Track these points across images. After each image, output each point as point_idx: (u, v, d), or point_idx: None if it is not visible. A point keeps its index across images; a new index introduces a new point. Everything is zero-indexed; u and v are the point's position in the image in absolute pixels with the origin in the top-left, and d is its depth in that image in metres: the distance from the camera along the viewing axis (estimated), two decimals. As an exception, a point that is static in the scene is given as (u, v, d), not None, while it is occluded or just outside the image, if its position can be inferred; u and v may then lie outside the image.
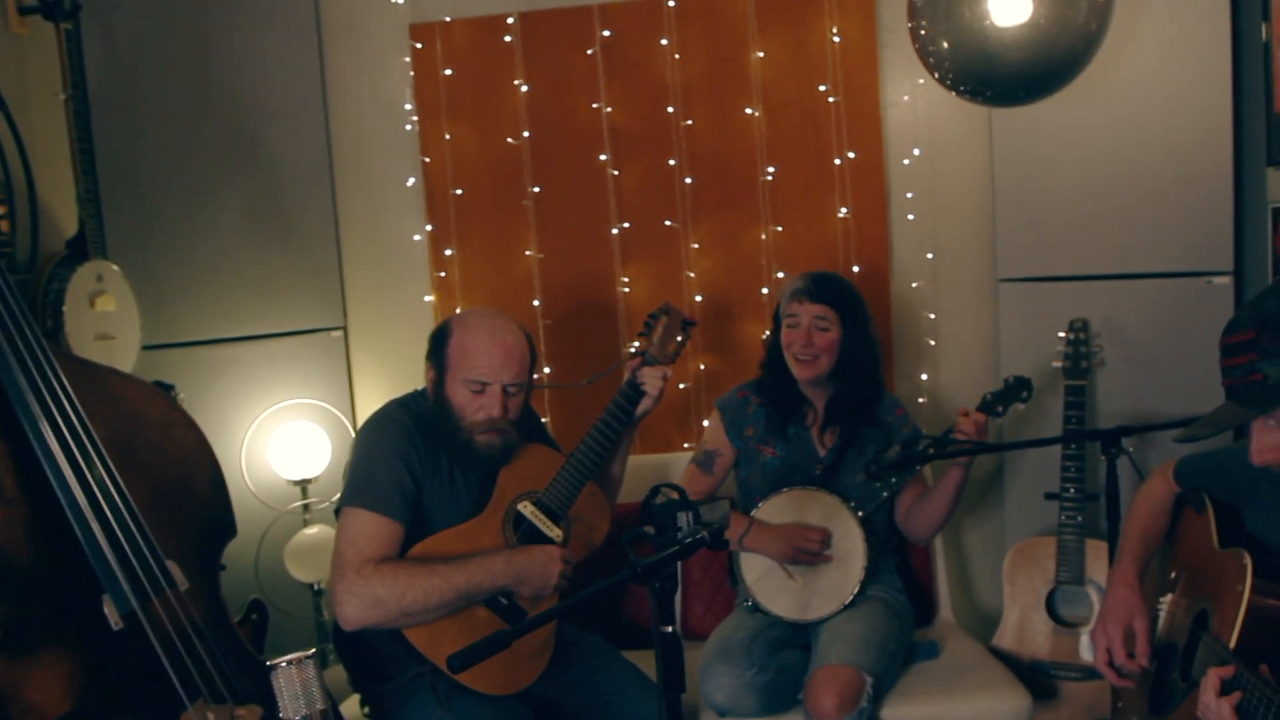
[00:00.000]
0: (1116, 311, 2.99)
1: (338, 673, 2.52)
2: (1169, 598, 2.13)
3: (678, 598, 2.97)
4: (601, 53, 3.29)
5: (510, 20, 3.29)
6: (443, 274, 3.38)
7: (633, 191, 3.33)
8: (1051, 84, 2.48)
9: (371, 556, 2.16)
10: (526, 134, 3.32)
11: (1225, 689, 1.67)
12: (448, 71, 3.31)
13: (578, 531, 2.45)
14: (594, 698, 2.41)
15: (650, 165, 3.31)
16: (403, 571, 2.15)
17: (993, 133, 3.11)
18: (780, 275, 3.27)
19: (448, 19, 3.31)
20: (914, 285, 3.33)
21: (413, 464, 2.27)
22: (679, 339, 2.57)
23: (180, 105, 3.23)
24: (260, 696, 1.80)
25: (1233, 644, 1.75)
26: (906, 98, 3.27)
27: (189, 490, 1.93)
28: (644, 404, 2.50)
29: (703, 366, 3.34)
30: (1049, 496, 2.88)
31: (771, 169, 3.28)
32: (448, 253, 3.37)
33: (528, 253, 3.36)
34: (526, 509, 2.37)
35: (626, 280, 3.35)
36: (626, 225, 3.33)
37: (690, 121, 3.29)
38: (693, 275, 3.33)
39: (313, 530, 3.15)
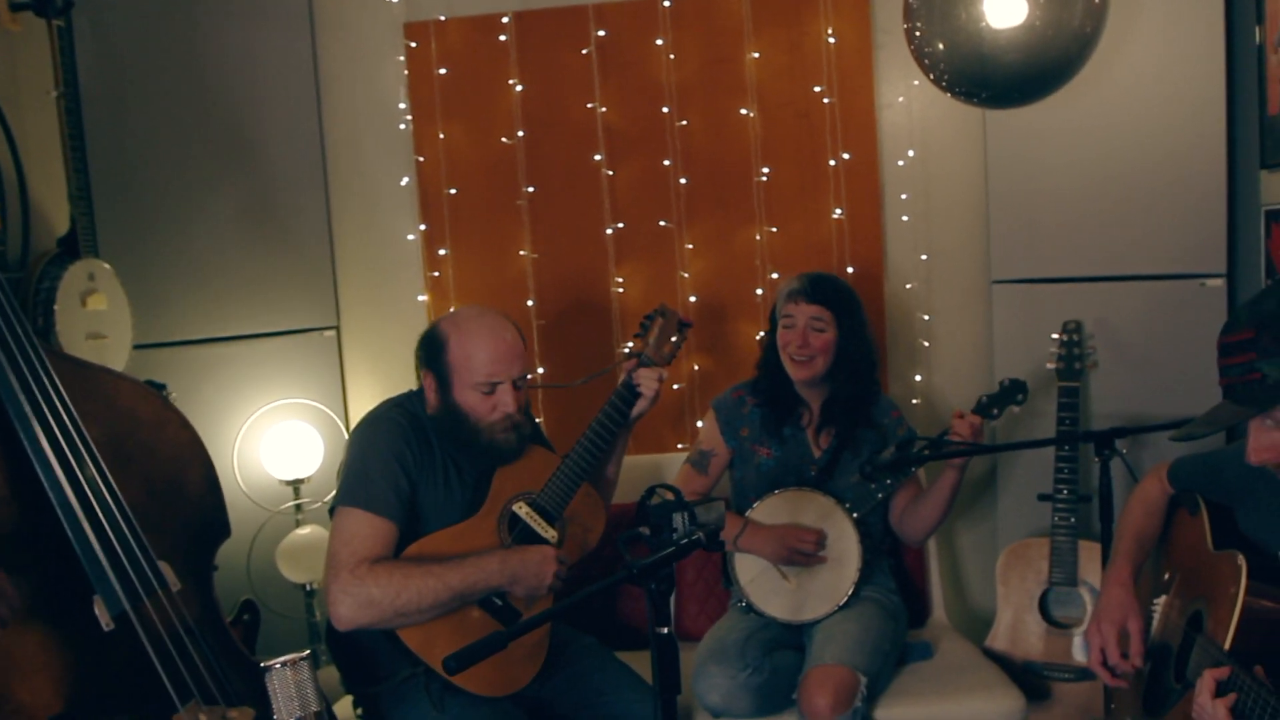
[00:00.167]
0: (1110, 313, 3.00)
1: (330, 673, 2.51)
2: (1163, 599, 2.13)
3: (671, 599, 2.96)
4: (596, 52, 3.28)
5: (505, 20, 3.29)
6: (436, 274, 3.37)
7: (627, 192, 3.32)
8: (1046, 86, 2.49)
9: (366, 556, 2.15)
10: (521, 134, 3.31)
11: (1220, 690, 1.67)
12: (442, 70, 3.30)
13: (572, 533, 2.45)
14: (588, 699, 2.40)
15: (645, 165, 3.31)
16: (397, 571, 2.14)
17: (987, 134, 3.12)
18: (775, 276, 3.27)
19: (442, 18, 3.31)
20: (908, 286, 3.33)
21: (408, 464, 2.26)
22: (674, 340, 2.57)
23: (173, 103, 3.21)
24: (253, 698, 1.79)
25: (1227, 645, 1.75)
26: (901, 99, 3.28)
27: (182, 490, 1.92)
28: (640, 405, 2.50)
29: (696, 367, 3.34)
30: (1042, 498, 2.88)
31: (766, 170, 3.28)
32: (441, 252, 3.36)
33: (522, 252, 3.35)
34: (521, 510, 2.36)
35: (621, 280, 3.34)
36: (621, 225, 3.33)
37: (685, 122, 3.29)
38: (687, 276, 3.33)
39: (305, 531, 3.14)
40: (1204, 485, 2.08)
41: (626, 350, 2.58)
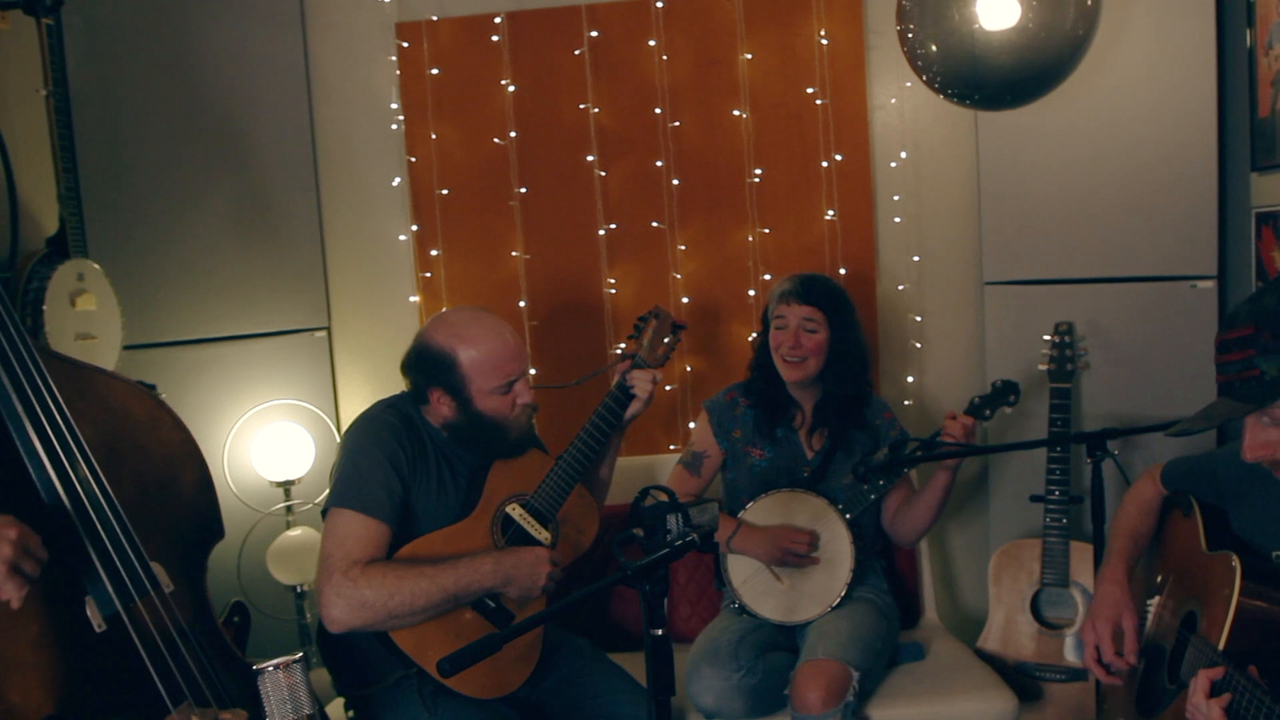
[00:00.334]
0: (1101, 315, 3.01)
1: (321, 676, 2.50)
2: (1156, 600, 2.14)
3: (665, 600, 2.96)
4: (589, 53, 3.28)
5: (498, 20, 3.28)
6: (428, 274, 3.36)
7: (619, 192, 3.32)
8: (1038, 88, 2.50)
9: (359, 558, 2.14)
10: (513, 134, 3.31)
11: (1215, 690, 1.67)
12: (434, 71, 3.30)
13: (566, 534, 2.44)
14: (581, 700, 2.39)
15: (637, 166, 3.31)
16: (390, 573, 2.13)
17: (979, 136, 3.12)
18: (767, 277, 3.27)
19: (434, 18, 3.30)
20: (900, 288, 3.33)
21: (400, 465, 2.25)
22: (668, 342, 2.57)
23: (163, 103, 3.20)
24: (245, 700, 1.77)
25: (1221, 645, 1.76)
26: (893, 100, 3.28)
27: (175, 491, 1.90)
28: (633, 407, 2.50)
29: (689, 368, 3.34)
30: (1034, 499, 2.89)
31: (758, 171, 3.28)
32: (433, 253, 3.35)
33: (514, 253, 3.35)
34: (515, 511, 2.36)
35: (613, 281, 3.34)
36: (613, 226, 3.32)
37: (677, 123, 3.29)
38: (679, 277, 3.32)
39: (296, 532, 3.12)
40: (1197, 486, 2.09)
41: (620, 352, 2.57)
